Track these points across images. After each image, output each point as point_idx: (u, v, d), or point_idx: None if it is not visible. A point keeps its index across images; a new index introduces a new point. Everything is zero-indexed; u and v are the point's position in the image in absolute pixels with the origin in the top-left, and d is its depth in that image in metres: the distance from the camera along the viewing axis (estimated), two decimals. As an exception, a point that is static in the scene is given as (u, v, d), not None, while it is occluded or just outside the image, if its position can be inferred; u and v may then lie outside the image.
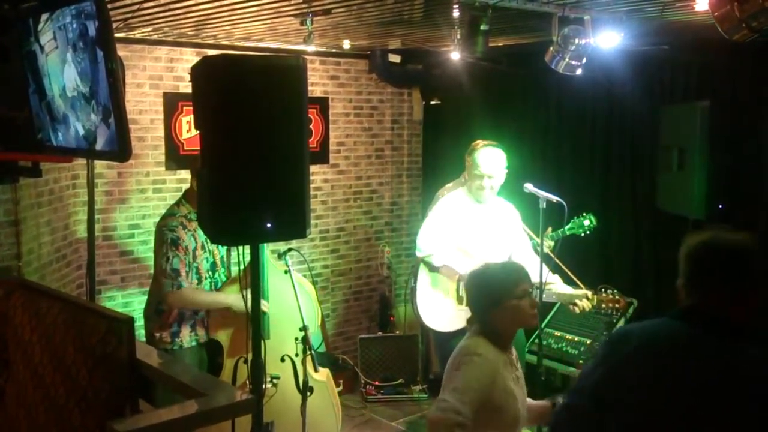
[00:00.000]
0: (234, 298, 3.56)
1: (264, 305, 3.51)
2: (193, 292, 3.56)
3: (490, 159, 3.91)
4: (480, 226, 3.95)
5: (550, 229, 4.30)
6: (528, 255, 4.04)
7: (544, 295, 3.95)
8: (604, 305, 3.82)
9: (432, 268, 3.96)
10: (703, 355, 1.77)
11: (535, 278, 3.79)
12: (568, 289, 3.91)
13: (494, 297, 2.50)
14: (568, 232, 4.40)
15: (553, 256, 3.94)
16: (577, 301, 3.79)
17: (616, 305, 3.82)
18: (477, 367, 2.39)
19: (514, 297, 2.49)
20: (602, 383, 1.90)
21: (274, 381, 3.50)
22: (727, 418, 1.70)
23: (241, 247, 2.81)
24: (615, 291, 3.91)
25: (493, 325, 2.51)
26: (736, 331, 1.77)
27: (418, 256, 4.04)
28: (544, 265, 3.95)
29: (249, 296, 2.56)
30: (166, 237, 3.52)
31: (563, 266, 4.01)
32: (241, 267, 2.90)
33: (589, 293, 3.78)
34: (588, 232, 4.46)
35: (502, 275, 2.57)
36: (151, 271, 4.76)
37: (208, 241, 3.60)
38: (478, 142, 4.67)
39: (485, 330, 2.52)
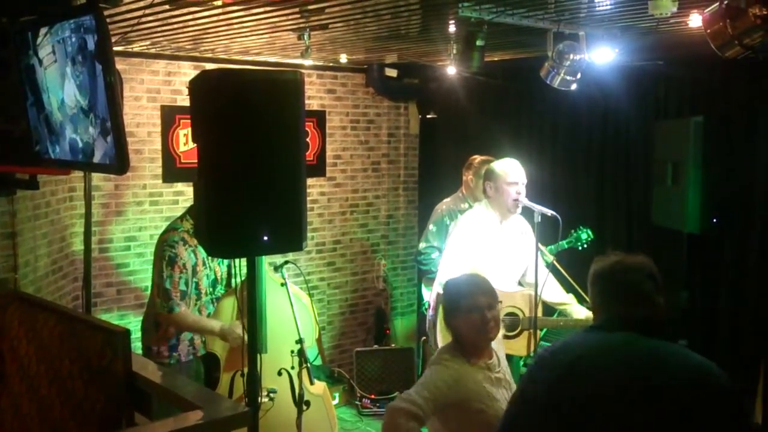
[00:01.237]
0: (219, 326, 3.50)
1: None
2: (184, 317, 3.49)
3: (513, 166, 3.85)
4: (500, 246, 3.87)
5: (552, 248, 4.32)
6: (540, 271, 4.02)
7: (561, 323, 3.94)
8: None
9: None
10: (642, 354, 1.96)
11: (546, 296, 3.80)
12: (582, 312, 3.85)
13: (450, 309, 2.63)
14: (566, 245, 4.42)
15: (560, 267, 3.93)
16: None
17: None
18: (442, 369, 2.54)
19: (465, 310, 2.56)
20: (548, 392, 2.03)
21: (271, 395, 3.49)
22: (670, 404, 1.86)
23: (238, 260, 2.81)
24: None
25: (456, 336, 2.63)
26: (660, 331, 2.00)
27: (440, 293, 3.94)
28: (557, 282, 3.94)
29: (245, 320, 2.56)
30: (164, 254, 3.47)
31: (571, 279, 3.99)
32: (239, 280, 2.89)
33: None
34: (585, 246, 4.49)
35: (457, 288, 2.67)
36: (147, 284, 4.76)
37: (210, 257, 3.59)
38: (475, 156, 4.70)
39: (455, 338, 2.64)
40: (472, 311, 2.55)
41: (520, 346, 3.83)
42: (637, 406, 1.87)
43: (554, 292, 3.92)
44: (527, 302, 3.80)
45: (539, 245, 4.09)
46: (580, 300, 3.94)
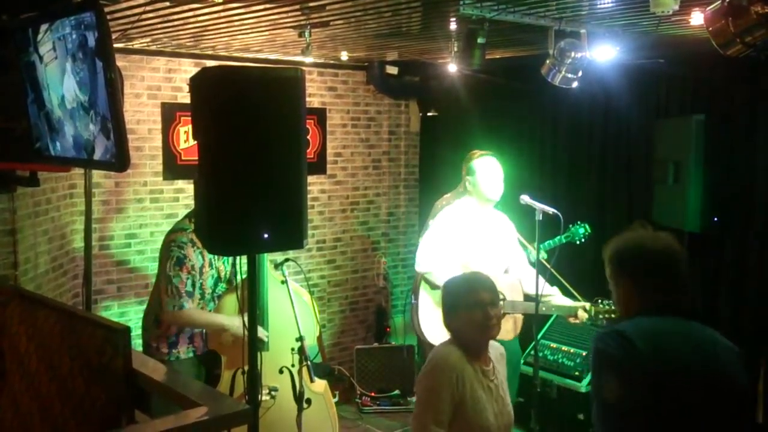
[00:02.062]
0: (227, 320, 3.51)
1: (262, 334, 3.50)
2: (192, 314, 3.51)
3: (490, 162, 4.02)
4: (481, 237, 3.95)
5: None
6: (524, 267, 4.06)
7: (543, 308, 3.97)
8: (601, 316, 3.83)
9: (433, 286, 3.94)
10: (697, 340, 2.00)
11: (531, 290, 3.84)
12: (566, 302, 3.91)
13: (451, 306, 2.60)
14: (564, 240, 4.43)
15: (549, 266, 3.95)
16: (578, 312, 3.80)
17: (612, 315, 3.84)
18: (433, 374, 2.51)
19: (467, 306, 2.53)
20: (629, 390, 1.96)
21: (273, 393, 3.49)
22: (726, 386, 1.95)
23: (239, 258, 2.80)
24: (611, 302, 3.93)
25: (455, 334, 2.60)
26: (696, 314, 2.06)
27: (417, 271, 4.01)
28: (541, 277, 3.96)
29: (246, 318, 2.55)
30: (172, 254, 3.46)
31: (560, 277, 4.01)
32: (240, 277, 2.88)
33: (587, 305, 3.78)
34: (583, 240, 4.50)
35: (458, 285, 2.64)
36: (148, 281, 4.76)
37: (216, 257, 3.59)
38: (474, 151, 4.71)
39: (454, 337, 2.61)
40: (474, 308, 2.51)
41: (505, 330, 3.86)
42: (718, 389, 1.94)
43: (534, 285, 3.95)
44: (509, 286, 3.87)
45: (524, 242, 4.16)
46: (565, 293, 3.98)
